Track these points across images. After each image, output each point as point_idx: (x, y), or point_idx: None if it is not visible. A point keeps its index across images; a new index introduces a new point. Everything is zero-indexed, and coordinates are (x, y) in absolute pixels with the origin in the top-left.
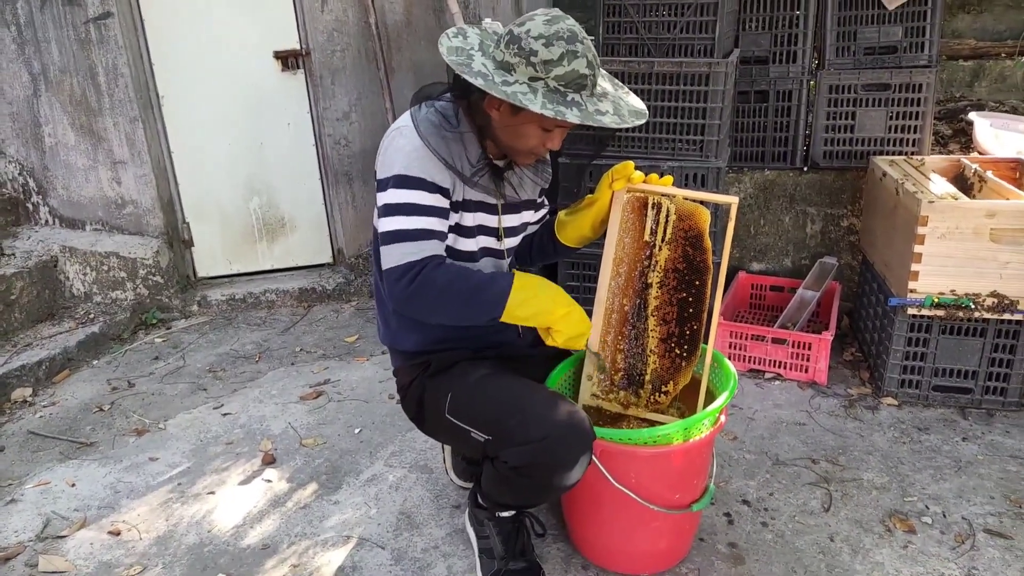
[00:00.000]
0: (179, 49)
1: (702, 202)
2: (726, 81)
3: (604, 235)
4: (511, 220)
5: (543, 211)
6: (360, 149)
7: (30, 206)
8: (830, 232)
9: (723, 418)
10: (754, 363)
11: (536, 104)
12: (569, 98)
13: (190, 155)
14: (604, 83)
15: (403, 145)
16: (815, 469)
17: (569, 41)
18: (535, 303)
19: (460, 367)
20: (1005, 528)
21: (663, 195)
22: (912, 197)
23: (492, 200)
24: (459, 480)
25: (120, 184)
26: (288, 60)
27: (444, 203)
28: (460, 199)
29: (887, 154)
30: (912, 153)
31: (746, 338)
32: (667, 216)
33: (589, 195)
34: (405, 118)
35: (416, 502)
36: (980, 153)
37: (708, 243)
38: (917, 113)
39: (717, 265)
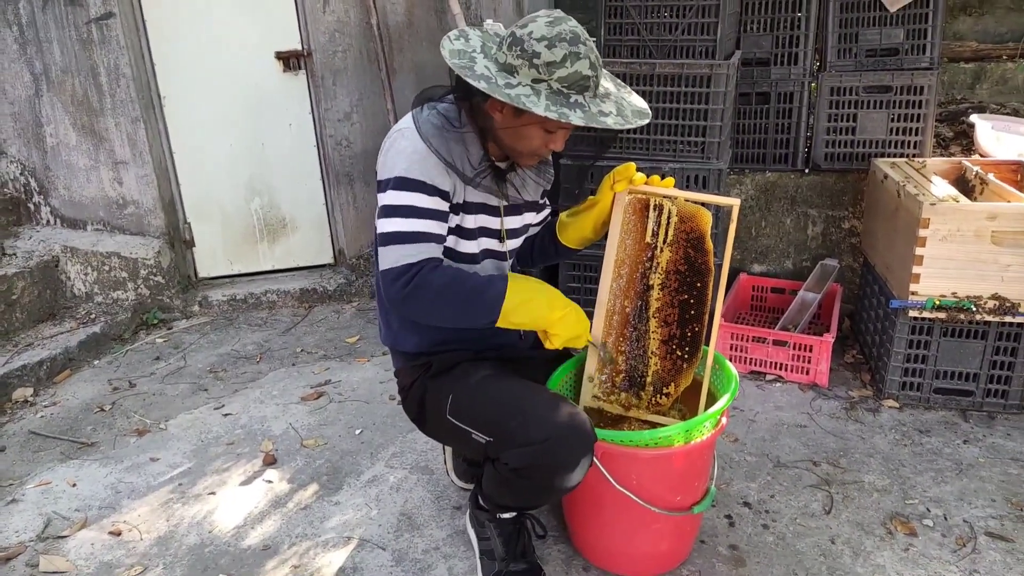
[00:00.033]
0: (181, 49)
1: (704, 204)
2: (727, 83)
3: (605, 237)
4: (513, 222)
5: (545, 212)
6: (361, 150)
7: (31, 206)
8: (831, 234)
9: (724, 420)
10: (755, 365)
11: (539, 107)
12: (572, 99)
13: (191, 155)
14: (606, 83)
15: (404, 147)
16: (816, 471)
17: (572, 43)
18: (530, 307)
19: (461, 368)
20: (1006, 531)
21: (665, 197)
22: (913, 199)
23: (494, 202)
24: (460, 481)
25: (121, 184)
26: (290, 61)
27: (444, 206)
28: (461, 201)
29: (888, 156)
30: (913, 155)
31: (747, 340)
32: (669, 218)
33: (591, 196)
34: (407, 120)
35: (417, 503)
36: (981, 155)
37: (710, 245)
38: (918, 115)
39: (719, 267)
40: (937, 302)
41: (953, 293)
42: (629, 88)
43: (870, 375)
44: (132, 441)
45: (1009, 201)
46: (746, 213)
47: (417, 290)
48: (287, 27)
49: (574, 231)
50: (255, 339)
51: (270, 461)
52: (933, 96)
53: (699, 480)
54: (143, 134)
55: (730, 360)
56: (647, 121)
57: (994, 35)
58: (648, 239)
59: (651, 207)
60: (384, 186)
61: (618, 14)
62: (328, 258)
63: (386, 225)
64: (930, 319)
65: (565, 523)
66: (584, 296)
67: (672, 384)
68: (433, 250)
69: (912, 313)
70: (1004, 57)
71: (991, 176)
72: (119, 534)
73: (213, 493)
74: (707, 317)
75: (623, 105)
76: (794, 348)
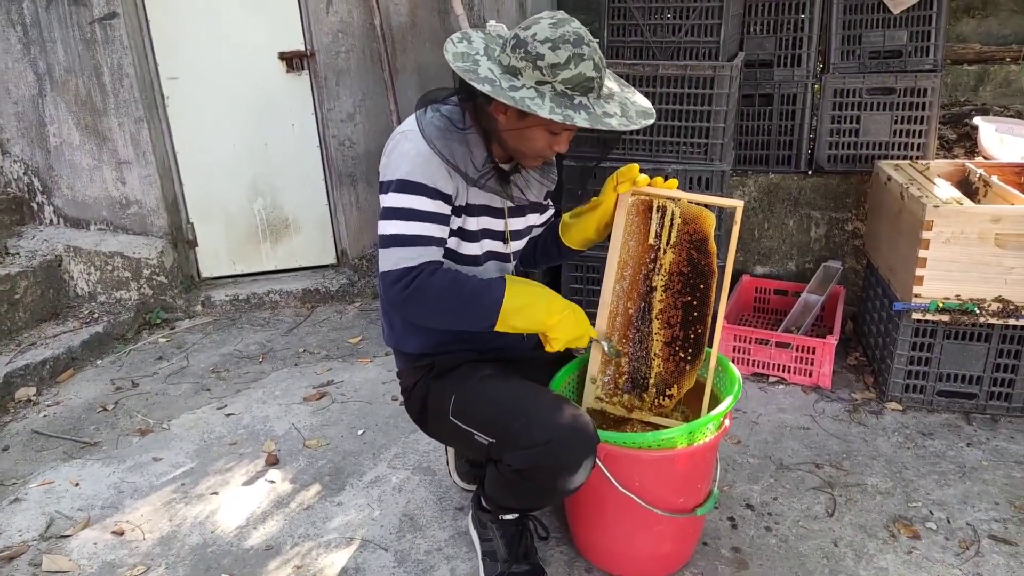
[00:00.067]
0: (184, 50)
1: (707, 205)
2: (731, 84)
3: (608, 238)
4: (517, 223)
5: (548, 213)
6: (364, 150)
7: (35, 205)
8: (834, 236)
9: (727, 422)
10: (758, 367)
11: (544, 109)
12: (576, 101)
13: (195, 155)
14: (610, 83)
15: (408, 149)
16: (819, 474)
17: (575, 44)
18: (528, 312)
19: (464, 369)
20: (1010, 534)
21: (668, 198)
22: (917, 201)
23: (498, 203)
24: (462, 482)
25: (125, 184)
26: (293, 61)
27: (445, 209)
28: (463, 203)
29: (892, 158)
30: (917, 157)
31: (750, 342)
32: (672, 219)
33: (594, 198)
34: (410, 122)
35: (419, 504)
36: (985, 158)
37: (713, 247)
38: (922, 117)
39: (722, 269)
40: (940, 304)
41: (956, 296)
42: (633, 88)
43: (873, 377)
44: (135, 441)
45: (1013, 204)
46: (749, 215)
47: (416, 293)
48: (290, 27)
49: (577, 232)
50: (258, 339)
51: (272, 461)
52: (936, 98)
53: (702, 482)
54: (146, 134)
55: (733, 362)
56: (652, 121)
57: (997, 37)
58: (651, 241)
59: (654, 209)
60: (386, 188)
61: (621, 15)
62: (331, 258)
63: (387, 227)
64: (933, 321)
65: (567, 524)
66: (587, 297)
67: (675, 386)
68: (433, 253)
69: (915, 315)
70: (1008, 59)
71: (994, 178)
72: (122, 534)
73: (216, 493)
74: (710, 319)
75: (627, 105)
76: (797, 350)
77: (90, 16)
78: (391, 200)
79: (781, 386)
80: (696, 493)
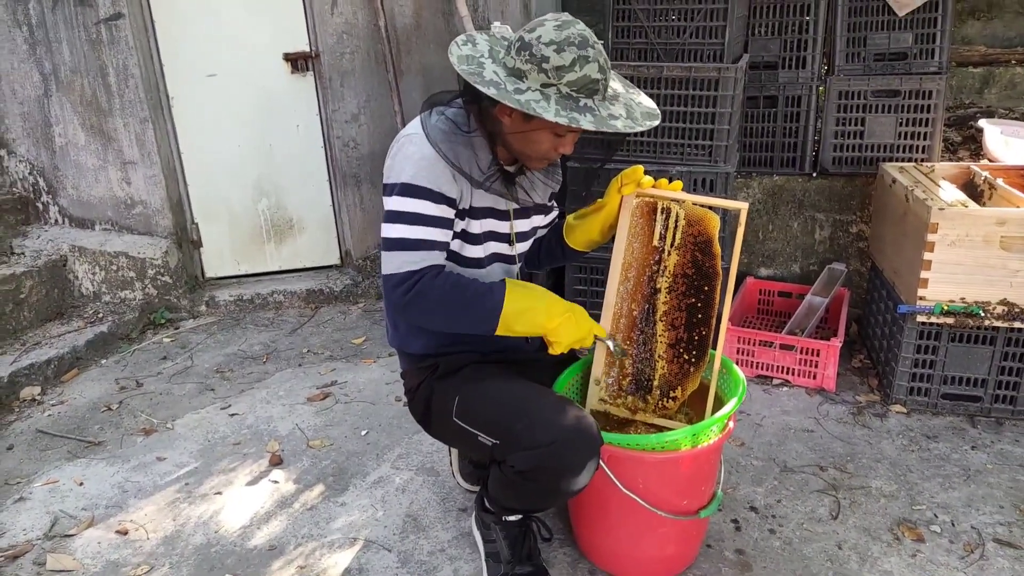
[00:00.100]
0: (189, 50)
1: (711, 207)
2: (735, 86)
3: (613, 239)
4: (522, 225)
5: (553, 215)
6: (368, 151)
7: (40, 205)
8: (839, 238)
9: (732, 424)
10: (762, 369)
11: (550, 112)
12: (582, 103)
13: (199, 156)
14: (615, 84)
15: (412, 153)
16: (823, 476)
17: (580, 46)
18: (528, 316)
19: (468, 370)
20: (1015, 538)
21: (672, 200)
22: (922, 204)
23: (503, 206)
24: (466, 483)
25: (130, 184)
26: (298, 62)
27: (449, 213)
28: (467, 206)
29: (896, 160)
30: (922, 160)
31: (754, 344)
32: (676, 221)
33: (598, 199)
34: (415, 125)
35: (423, 505)
36: (990, 160)
37: (717, 249)
38: (927, 120)
39: (726, 271)
40: (945, 307)
41: (961, 298)
42: (638, 89)
43: (878, 380)
44: (139, 440)
45: (1018, 206)
46: (753, 217)
47: (418, 297)
48: (295, 29)
49: (581, 234)
50: (262, 339)
51: (276, 461)
52: (942, 100)
53: (706, 484)
54: (151, 134)
55: (737, 364)
56: (657, 123)
57: (1003, 39)
58: (655, 242)
59: (659, 210)
60: (390, 191)
61: (626, 17)
62: (335, 259)
63: (390, 231)
64: (938, 324)
65: (571, 526)
66: (591, 299)
67: (679, 388)
68: (436, 257)
69: (920, 318)
70: (1013, 62)
71: (1000, 181)
72: (126, 533)
73: (219, 493)
74: (714, 321)
75: (632, 107)
76: (801, 352)
77: (96, 17)
78: (395, 204)
79: (785, 388)
80: (700, 495)
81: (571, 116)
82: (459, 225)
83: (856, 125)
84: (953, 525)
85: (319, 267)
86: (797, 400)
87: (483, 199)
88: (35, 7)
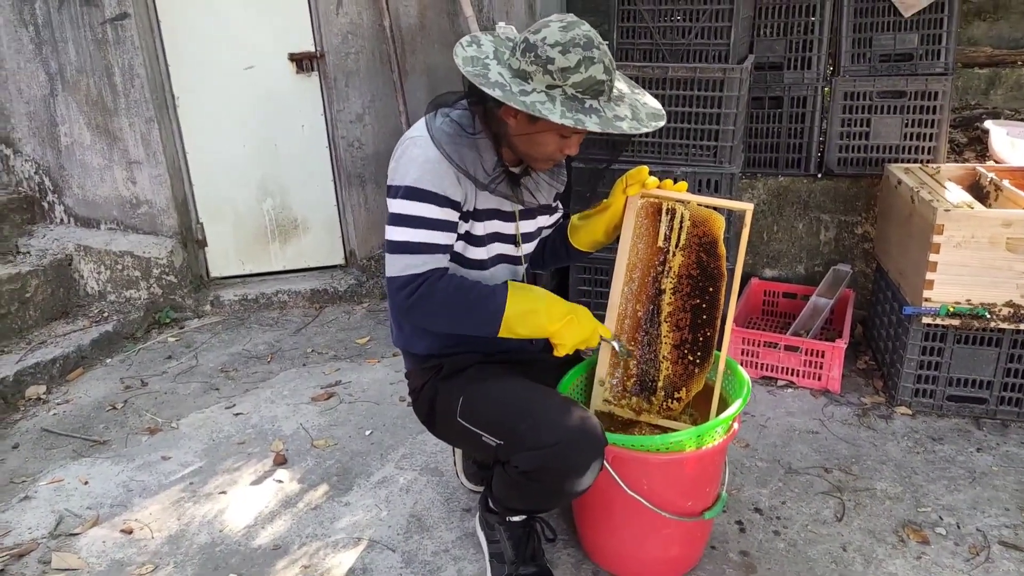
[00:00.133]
0: (195, 50)
1: (716, 208)
2: (740, 87)
3: (617, 240)
4: (527, 226)
5: (557, 215)
6: (373, 151)
7: (45, 205)
8: (844, 239)
9: (736, 425)
10: (766, 370)
11: (555, 114)
12: (587, 105)
13: (204, 156)
14: (620, 84)
15: (416, 156)
16: (828, 478)
17: (586, 47)
18: (531, 319)
19: (472, 371)
20: (1020, 540)
21: (677, 201)
22: (928, 205)
23: (508, 207)
24: (470, 484)
25: (135, 184)
26: (303, 62)
27: (453, 216)
28: (471, 209)
29: (902, 162)
30: (927, 161)
31: (759, 345)
32: (681, 222)
33: (603, 199)
34: (420, 127)
35: (427, 505)
36: (996, 162)
37: (722, 250)
38: (932, 121)
39: (731, 272)
40: (951, 309)
41: (967, 300)
42: (643, 89)
43: (883, 381)
44: (144, 439)
45: None
46: (758, 217)
47: (421, 300)
48: (300, 29)
49: (585, 234)
50: (266, 339)
51: (280, 461)
52: (947, 101)
53: (710, 485)
54: (157, 134)
55: (741, 365)
56: (662, 123)
57: (1009, 40)
58: (660, 243)
59: (663, 211)
60: (394, 193)
61: (631, 18)
62: (339, 259)
63: (394, 234)
64: (944, 326)
65: (575, 527)
66: (595, 300)
67: (683, 389)
68: (439, 260)
69: (925, 320)
70: (1019, 63)
71: (1006, 182)
72: (130, 532)
73: (224, 492)
74: (719, 322)
75: (637, 107)
76: (806, 354)
77: (102, 16)
78: (399, 207)
79: (790, 390)
80: (704, 496)
81: (576, 118)
82: (463, 227)
83: (861, 126)
84: (958, 527)
85: (323, 267)
86: (802, 401)
87: (488, 201)
88: (41, 7)
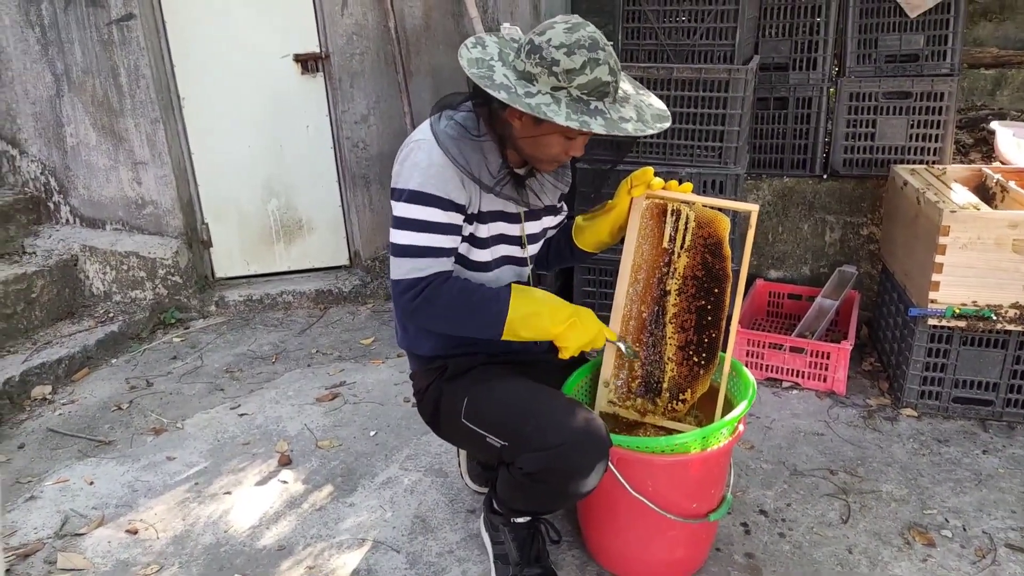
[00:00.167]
0: (200, 51)
1: (722, 209)
2: (746, 88)
3: (622, 241)
4: (532, 227)
5: (562, 216)
6: (378, 152)
7: (51, 205)
8: (849, 240)
9: (741, 427)
10: (771, 372)
11: (561, 116)
12: (592, 106)
13: (210, 156)
14: (625, 85)
15: (420, 160)
16: (833, 480)
17: (591, 49)
18: (534, 322)
19: (477, 372)
20: None
21: (682, 202)
22: (933, 207)
23: (513, 208)
24: (474, 485)
25: (140, 184)
26: (308, 63)
27: (458, 219)
28: (476, 211)
29: (908, 163)
30: (933, 162)
31: (763, 346)
32: (686, 223)
33: (608, 200)
34: (424, 130)
35: (431, 506)
36: (1002, 163)
37: (727, 251)
38: (938, 122)
39: (736, 273)
40: (957, 310)
41: (973, 301)
42: (648, 90)
43: (888, 383)
44: (149, 440)
45: None
46: (763, 218)
47: (425, 303)
48: (305, 30)
49: (590, 235)
50: (271, 339)
51: (285, 462)
52: (953, 102)
53: (715, 487)
54: (162, 135)
55: (746, 366)
56: (667, 125)
57: (1015, 41)
58: (665, 244)
59: (669, 212)
60: (398, 196)
61: (636, 18)
62: (344, 259)
63: (398, 237)
64: (949, 327)
65: (579, 528)
66: (599, 301)
67: (688, 390)
68: (443, 264)
69: (931, 321)
70: None
71: (1012, 184)
72: (136, 532)
73: (229, 493)
74: (724, 323)
75: (643, 109)
76: (811, 355)
77: (107, 17)
78: (403, 210)
79: (795, 391)
80: (709, 498)
81: (582, 120)
82: (467, 229)
83: (867, 127)
84: (964, 530)
85: (328, 267)
86: (807, 403)
87: (493, 203)
88: (48, 8)
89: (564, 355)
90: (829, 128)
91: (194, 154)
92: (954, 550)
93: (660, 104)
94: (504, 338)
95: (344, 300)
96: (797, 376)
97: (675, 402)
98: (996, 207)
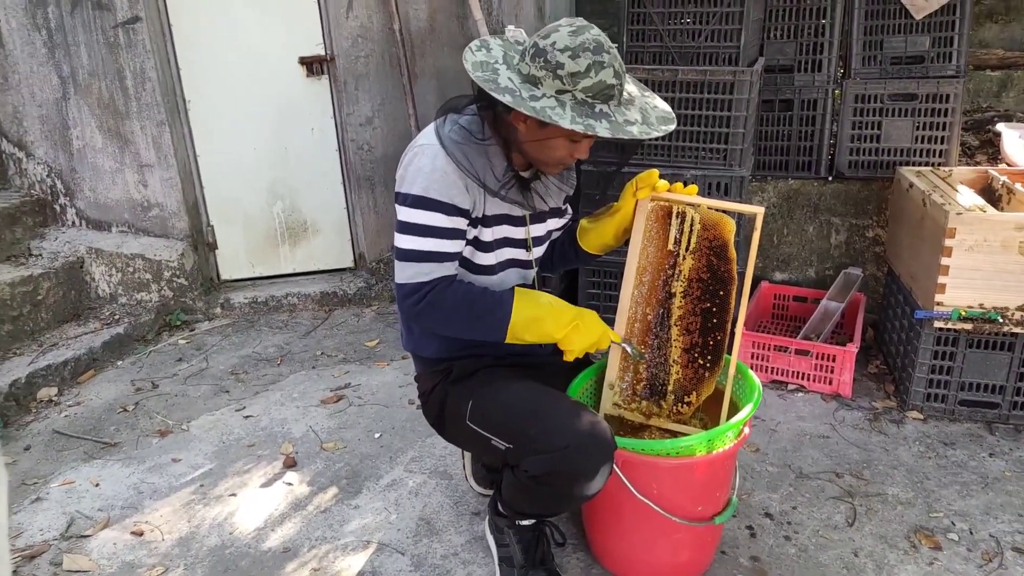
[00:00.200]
0: (206, 54)
1: (727, 212)
2: (751, 90)
3: (627, 243)
4: (537, 230)
5: (567, 217)
6: (382, 155)
7: (57, 207)
8: (855, 242)
9: (747, 430)
10: (777, 374)
11: (565, 119)
12: (597, 109)
13: (215, 159)
14: (630, 87)
15: (424, 165)
16: (839, 483)
17: (595, 52)
18: (537, 326)
19: (482, 374)
20: None
21: (687, 204)
22: (939, 208)
23: (518, 212)
24: (479, 487)
25: (146, 187)
26: (313, 66)
27: (462, 224)
28: (480, 215)
29: (913, 165)
30: (939, 164)
31: (769, 349)
32: (691, 225)
33: (613, 203)
34: (428, 135)
35: (436, 508)
36: (1008, 165)
37: (733, 253)
38: (944, 124)
39: (741, 275)
40: (963, 313)
41: (979, 304)
42: (652, 92)
43: (894, 386)
44: (154, 442)
45: None
46: (768, 221)
47: (429, 307)
48: (311, 33)
49: (595, 237)
50: (276, 341)
51: (290, 463)
52: (959, 104)
53: (720, 490)
54: (168, 137)
55: (751, 369)
56: (673, 127)
57: (1021, 43)
58: (670, 247)
59: (674, 215)
60: (402, 201)
61: (641, 20)
62: (348, 262)
63: (402, 241)
64: (956, 330)
65: (584, 531)
66: (604, 303)
67: (694, 393)
68: (447, 268)
69: (937, 324)
70: None
71: (1018, 186)
72: (141, 534)
73: (234, 495)
74: (729, 326)
75: (648, 111)
76: (817, 358)
77: (113, 20)
78: (407, 215)
79: (800, 394)
80: (715, 501)
81: (587, 123)
82: (471, 233)
83: (872, 129)
84: (971, 533)
85: (333, 270)
86: (813, 406)
87: (498, 206)
88: (54, 11)
89: (568, 357)
90: (834, 130)
91: (199, 156)
92: (960, 553)
93: (665, 106)
94: (508, 342)
95: (349, 302)
96: (802, 379)
97: (680, 405)
98: (1002, 209)
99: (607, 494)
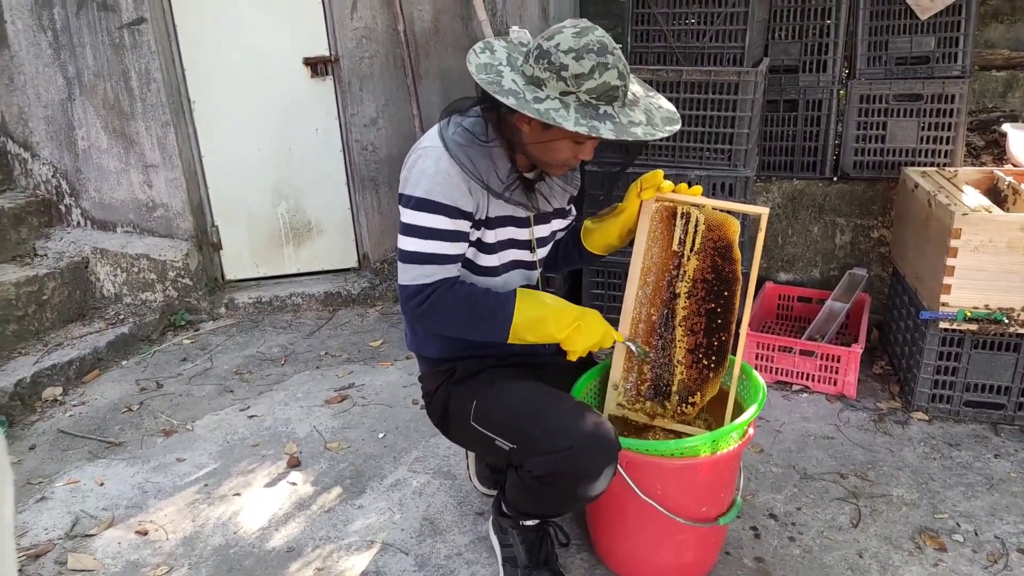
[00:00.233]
0: (210, 55)
1: (731, 212)
2: (755, 90)
3: (631, 244)
4: (542, 231)
5: (571, 218)
6: (387, 155)
7: (63, 208)
8: (860, 243)
9: (751, 431)
10: (781, 375)
11: (569, 121)
12: (601, 111)
13: (220, 159)
14: (634, 87)
15: (427, 167)
16: (844, 484)
17: (600, 53)
18: (539, 326)
19: (485, 374)
20: None
21: (692, 205)
22: (945, 209)
23: (522, 213)
24: (483, 487)
25: (151, 187)
26: (317, 67)
27: (465, 226)
28: (484, 217)
29: (919, 165)
30: (944, 164)
31: (774, 349)
32: (696, 226)
33: (618, 203)
34: (432, 137)
35: (440, 508)
36: (1014, 165)
37: (737, 254)
38: (949, 124)
39: (746, 276)
40: (968, 314)
41: (985, 305)
42: (657, 92)
43: (899, 387)
44: (159, 441)
45: None
46: (773, 221)
47: (431, 309)
48: (315, 33)
49: (599, 237)
50: (280, 341)
51: (294, 463)
52: (964, 105)
53: (725, 491)
54: (173, 138)
55: (755, 369)
56: (677, 127)
57: None
58: (675, 247)
59: (678, 215)
60: (406, 203)
61: (645, 21)
62: (352, 262)
63: (405, 243)
64: (961, 331)
65: (588, 531)
66: (608, 303)
67: (698, 393)
68: (449, 270)
69: (942, 324)
70: None
71: None
72: (145, 534)
73: (238, 494)
74: (734, 326)
75: (652, 112)
76: (821, 358)
77: (119, 21)
78: (410, 217)
79: (805, 394)
80: (719, 502)
81: (591, 125)
82: (474, 235)
83: (877, 129)
84: (976, 534)
85: (337, 270)
86: (817, 407)
87: (501, 208)
88: (59, 12)
89: (571, 357)
90: (839, 130)
91: (204, 157)
92: (965, 555)
93: (670, 106)
94: (510, 343)
95: (353, 302)
96: (807, 379)
97: (685, 405)
98: (1008, 210)
99: (611, 495)
